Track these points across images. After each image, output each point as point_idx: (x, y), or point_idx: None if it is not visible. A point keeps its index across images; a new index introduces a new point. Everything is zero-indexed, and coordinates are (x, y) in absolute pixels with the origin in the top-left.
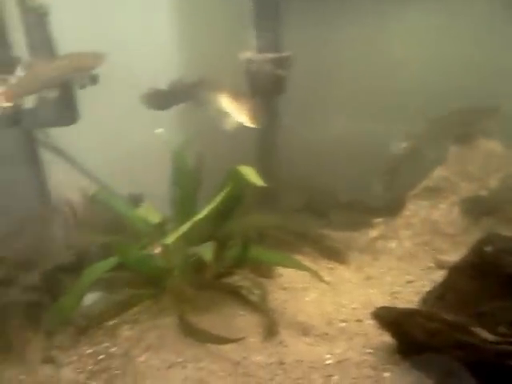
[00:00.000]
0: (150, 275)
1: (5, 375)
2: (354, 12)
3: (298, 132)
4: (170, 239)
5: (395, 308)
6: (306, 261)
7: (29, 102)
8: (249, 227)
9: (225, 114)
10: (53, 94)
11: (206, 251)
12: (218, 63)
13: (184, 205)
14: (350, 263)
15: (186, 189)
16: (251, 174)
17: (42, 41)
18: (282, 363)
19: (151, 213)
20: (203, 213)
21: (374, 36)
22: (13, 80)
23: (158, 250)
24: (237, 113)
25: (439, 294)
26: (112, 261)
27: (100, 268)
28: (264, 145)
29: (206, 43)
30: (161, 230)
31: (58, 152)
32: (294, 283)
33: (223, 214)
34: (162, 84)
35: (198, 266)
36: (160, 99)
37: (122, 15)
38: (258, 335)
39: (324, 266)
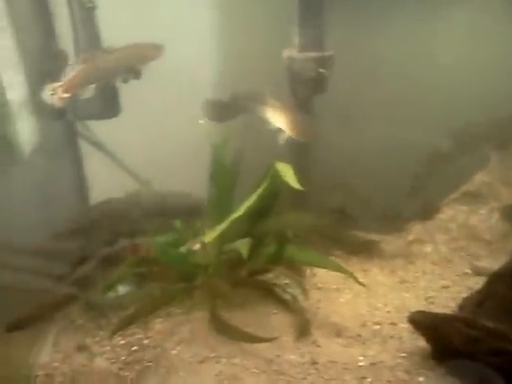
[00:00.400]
0: (185, 271)
1: (39, 363)
2: (400, 10)
3: (334, 132)
4: (208, 237)
5: (432, 313)
6: (339, 262)
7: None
8: (285, 225)
9: (278, 128)
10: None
11: (243, 247)
12: (258, 60)
13: (220, 199)
14: (384, 266)
15: (223, 183)
16: (288, 174)
17: (89, 35)
18: (314, 363)
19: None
20: (241, 210)
21: (419, 36)
22: (71, 72)
23: (196, 246)
24: (288, 127)
25: (478, 301)
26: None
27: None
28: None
29: (247, 40)
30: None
31: (98, 146)
32: (327, 284)
33: (260, 211)
34: (214, 91)
35: (234, 262)
36: (220, 110)
37: (162, 12)
38: (290, 334)
39: (357, 268)
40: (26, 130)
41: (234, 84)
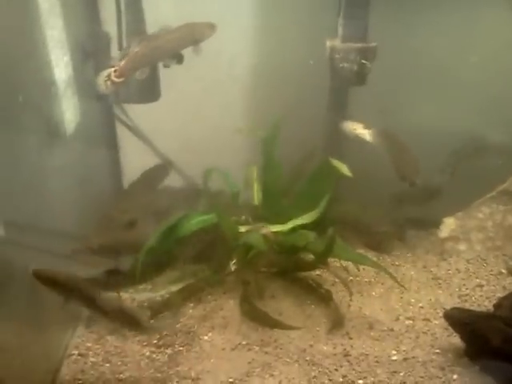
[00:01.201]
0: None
1: (72, 343)
2: (445, 5)
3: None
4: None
5: (469, 310)
6: (372, 257)
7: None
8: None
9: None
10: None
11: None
12: (300, 50)
13: (272, 191)
14: (416, 262)
15: (275, 175)
16: (342, 167)
17: (134, 18)
18: (347, 355)
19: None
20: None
21: (464, 29)
22: (126, 56)
23: (266, 230)
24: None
25: None
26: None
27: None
28: (333, 135)
29: (289, 29)
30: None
31: (135, 131)
32: (359, 277)
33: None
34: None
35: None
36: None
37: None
38: (323, 325)
39: (388, 263)
40: (70, 111)
41: (272, 74)
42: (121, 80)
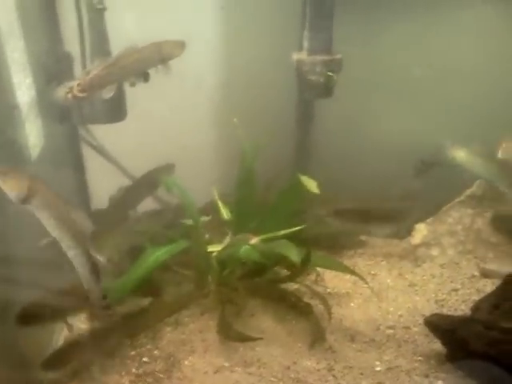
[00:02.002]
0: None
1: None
2: (409, 12)
3: (339, 136)
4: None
5: (449, 315)
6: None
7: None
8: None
9: None
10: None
11: (292, 252)
12: (266, 63)
13: (246, 205)
14: (391, 270)
15: (250, 189)
16: (311, 184)
17: (98, 37)
18: (331, 369)
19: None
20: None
21: (428, 37)
22: (91, 72)
23: (254, 240)
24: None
25: (493, 303)
26: (181, 244)
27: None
28: (302, 149)
29: (253, 42)
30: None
31: (101, 152)
32: (336, 288)
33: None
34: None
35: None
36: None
37: (167, 14)
38: (305, 341)
39: (365, 272)
40: (33, 134)
41: (241, 89)
42: (82, 95)
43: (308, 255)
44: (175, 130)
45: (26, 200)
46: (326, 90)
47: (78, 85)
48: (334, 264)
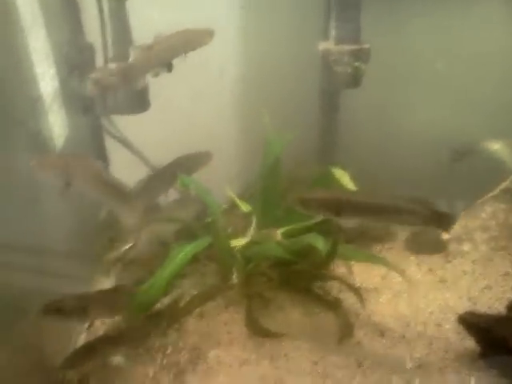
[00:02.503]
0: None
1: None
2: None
3: (366, 127)
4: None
5: (484, 314)
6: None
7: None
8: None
9: None
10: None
11: (319, 243)
12: (289, 53)
13: (271, 196)
14: (421, 265)
15: (275, 180)
16: (344, 177)
17: (120, 27)
18: (360, 365)
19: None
20: None
21: (457, 26)
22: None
23: (279, 237)
24: None
25: None
26: (205, 240)
27: (193, 248)
28: (326, 140)
29: (276, 32)
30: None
31: (124, 143)
32: (365, 283)
33: None
34: None
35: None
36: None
37: (187, 2)
38: (334, 336)
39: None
40: (57, 125)
41: (263, 79)
42: (112, 85)
43: (335, 244)
44: (197, 121)
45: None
46: (354, 80)
47: (111, 74)
48: (365, 256)
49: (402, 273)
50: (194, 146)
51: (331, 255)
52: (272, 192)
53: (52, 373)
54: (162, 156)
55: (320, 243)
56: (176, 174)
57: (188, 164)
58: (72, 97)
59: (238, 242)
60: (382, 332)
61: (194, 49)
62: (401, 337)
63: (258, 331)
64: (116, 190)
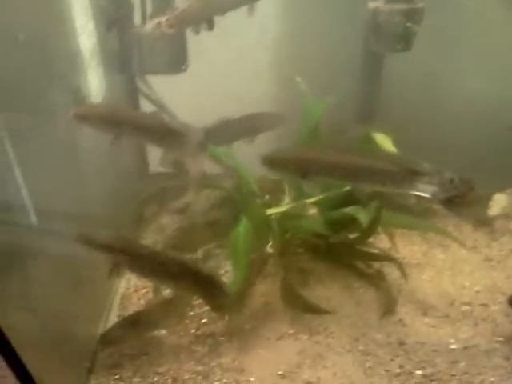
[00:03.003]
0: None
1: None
2: None
3: (412, 94)
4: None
5: None
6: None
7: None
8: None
9: None
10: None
11: (361, 215)
12: (337, 13)
13: None
14: (465, 242)
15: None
16: (385, 141)
17: None
18: (402, 343)
19: None
20: None
21: None
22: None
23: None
24: None
25: None
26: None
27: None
28: (368, 106)
29: None
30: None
31: (158, 104)
32: (406, 259)
33: None
34: None
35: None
36: None
37: None
38: (375, 312)
39: (436, 243)
40: (95, 83)
41: (304, 40)
42: (171, 30)
43: (378, 212)
44: (235, 84)
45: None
46: (404, 42)
47: (167, 20)
48: (413, 222)
49: (458, 241)
50: (229, 111)
51: (374, 224)
52: None
53: (85, 342)
54: (196, 120)
55: (361, 215)
56: (244, 129)
57: (258, 122)
58: (110, 54)
59: (274, 211)
60: (424, 310)
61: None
62: (445, 316)
63: (297, 305)
64: (178, 134)
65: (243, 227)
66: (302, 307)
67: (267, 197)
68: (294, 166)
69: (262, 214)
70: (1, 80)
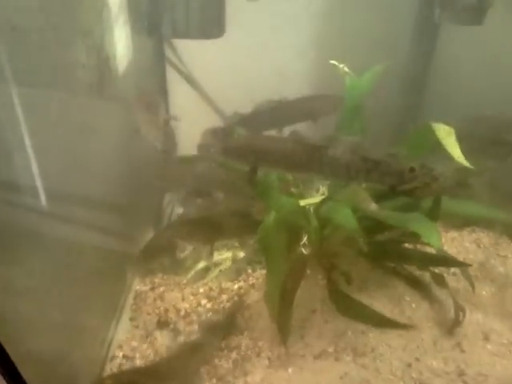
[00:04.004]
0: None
1: (115, 340)
2: None
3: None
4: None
5: None
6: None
7: None
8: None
9: None
10: None
11: (430, 234)
12: None
13: None
14: None
15: (353, 130)
16: (449, 138)
17: None
18: (461, 374)
19: None
20: None
21: None
22: None
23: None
24: None
25: None
26: None
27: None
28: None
29: None
30: None
31: (185, 74)
32: (468, 254)
33: None
34: None
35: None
36: None
37: None
38: (429, 332)
39: (492, 252)
40: (121, 44)
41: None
42: None
43: (437, 202)
44: (274, 55)
45: None
46: (478, 13)
47: None
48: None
49: None
50: (264, 86)
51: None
52: None
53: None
54: (226, 94)
55: (431, 234)
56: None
57: (313, 106)
58: (138, 12)
59: (309, 201)
60: (486, 334)
61: None
62: (510, 343)
63: (356, 315)
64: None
65: (275, 221)
66: (364, 318)
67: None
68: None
69: (296, 205)
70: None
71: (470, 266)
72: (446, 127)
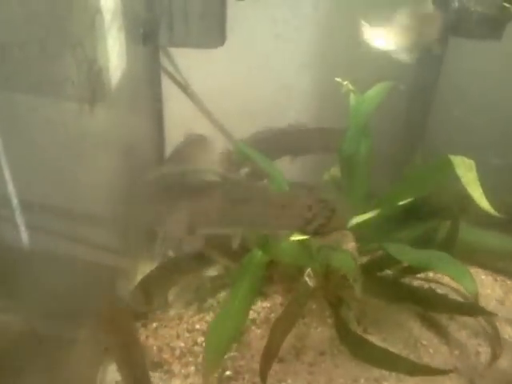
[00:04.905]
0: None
1: None
2: None
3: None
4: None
5: None
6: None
7: None
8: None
9: None
10: None
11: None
12: None
13: (355, 172)
14: None
15: (359, 151)
16: (469, 173)
17: None
18: None
19: None
20: None
21: None
22: None
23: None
24: None
25: None
26: None
27: None
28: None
29: None
30: None
31: (183, 86)
32: (485, 296)
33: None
34: None
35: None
36: None
37: None
38: (448, 381)
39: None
40: (115, 53)
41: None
42: None
43: (455, 225)
44: (277, 65)
45: None
46: (498, 27)
47: None
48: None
49: None
50: (264, 98)
51: (453, 237)
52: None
53: None
54: (225, 106)
55: (466, 279)
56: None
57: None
58: (133, 18)
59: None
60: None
61: None
62: None
63: (362, 353)
64: None
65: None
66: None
67: None
68: None
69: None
70: None
71: (496, 315)
72: (467, 161)
